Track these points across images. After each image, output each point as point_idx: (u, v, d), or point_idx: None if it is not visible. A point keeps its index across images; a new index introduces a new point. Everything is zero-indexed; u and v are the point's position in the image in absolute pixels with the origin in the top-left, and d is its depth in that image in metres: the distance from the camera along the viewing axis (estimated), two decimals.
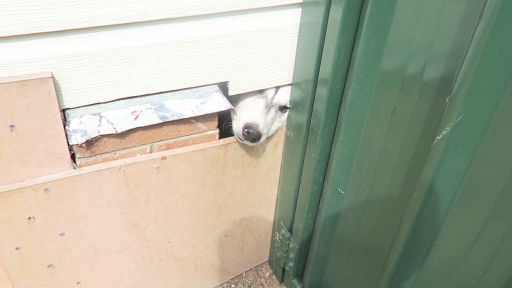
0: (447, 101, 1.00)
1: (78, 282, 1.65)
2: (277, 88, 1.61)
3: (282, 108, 1.64)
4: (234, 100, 1.61)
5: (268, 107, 1.59)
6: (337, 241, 1.69)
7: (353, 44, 1.26)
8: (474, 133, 0.96)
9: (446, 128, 0.99)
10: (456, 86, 0.96)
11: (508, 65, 0.86)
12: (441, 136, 1.01)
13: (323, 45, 1.33)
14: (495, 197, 1.00)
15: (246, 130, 1.52)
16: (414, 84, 1.12)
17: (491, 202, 1.01)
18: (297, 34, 1.47)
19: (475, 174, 1.01)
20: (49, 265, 1.53)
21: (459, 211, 1.08)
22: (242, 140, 1.56)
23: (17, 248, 1.43)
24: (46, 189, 1.36)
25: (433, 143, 1.05)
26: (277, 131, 1.69)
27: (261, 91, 1.60)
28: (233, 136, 1.62)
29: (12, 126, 1.22)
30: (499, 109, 0.91)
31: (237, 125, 1.55)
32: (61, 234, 1.48)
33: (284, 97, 1.61)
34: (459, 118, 0.96)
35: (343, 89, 1.35)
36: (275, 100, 1.60)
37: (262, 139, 1.55)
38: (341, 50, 1.27)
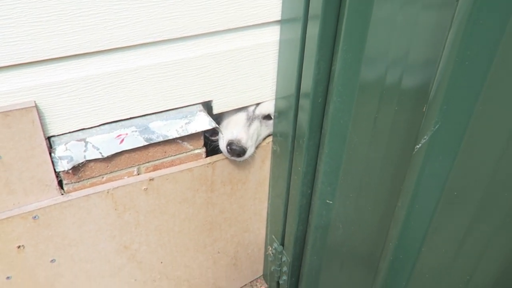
0: (424, 110, 1.03)
1: None
2: None
3: (267, 117, 1.66)
4: (219, 117, 1.63)
5: (250, 119, 1.61)
6: (329, 252, 1.70)
7: (331, 58, 1.29)
8: (452, 141, 0.99)
9: (425, 137, 1.02)
10: (431, 95, 0.99)
11: (479, 73, 0.88)
12: (420, 145, 1.03)
13: (302, 61, 1.35)
14: (477, 202, 1.02)
15: (228, 147, 1.55)
16: (392, 94, 1.15)
17: (473, 208, 1.03)
18: (278, 50, 1.49)
19: (456, 180, 1.03)
20: None
21: (443, 217, 1.10)
22: (230, 156, 1.58)
23: (8, 278, 1.43)
24: (35, 217, 1.36)
25: (414, 152, 1.07)
26: (265, 138, 1.71)
27: None
28: (220, 154, 1.64)
29: None
30: (473, 116, 0.93)
31: (221, 143, 1.59)
32: (52, 261, 1.48)
33: (266, 107, 1.64)
34: (436, 127, 0.98)
35: (325, 103, 1.38)
36: (257, 112, 1.63)
37: (249, 151, 1.58)
38: (320, 65, 1.29)
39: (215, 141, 1.64)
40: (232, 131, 1.57)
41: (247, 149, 1.56)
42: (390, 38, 1.10)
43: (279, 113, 1.59)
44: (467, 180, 1.02)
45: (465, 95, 0.92)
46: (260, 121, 1.64)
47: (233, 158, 1.59)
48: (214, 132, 1.65)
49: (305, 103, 1.40)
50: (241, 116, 1.62)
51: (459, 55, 0.89)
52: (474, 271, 1.09)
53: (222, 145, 1.58)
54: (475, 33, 0.85)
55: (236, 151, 1.54)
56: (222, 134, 1.59)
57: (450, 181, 1.04)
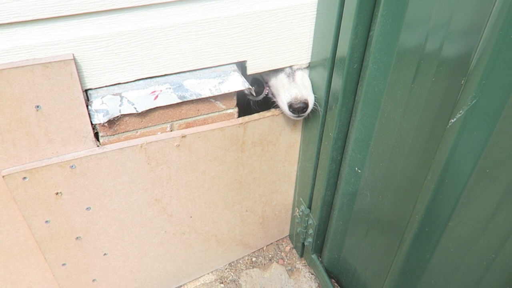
0: (462, 83, 0.99)
1: (104, 254, 1.73)
2: None
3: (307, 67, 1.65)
4: (266, 79, 1.67)
5: (291, 75, 1.60)
6: (355, 219, 1.71)
7: (370, 23, 1.24)
8: (488, 117, 0.95)
9: (460, 112, 0.98)
10: (471, 68, 0.95)
11: None
12: (455, 119, 1.00)
13: (340, 24, 1.31)
14: (509, 180, 0.99)
15: (291, 109, 1.57)
16: (430, 64, 1.11)
17: (504, 185, 1.00)
18: (315, 12, 1.45)
19: (489, 157, 1.00)
20: (77, 238, 1.61)
21: (473, 194, 1.08)
22: (298, 115, 1.60)
23: (46, 221, 1.51)
24: (72, 166, 1.42)
25: (448, 126, 1.04)
26: None
27: None
28: (252, 115, 1.65)
29: (38, 107, 1.27)
30: None
31: (284, 109, 1.61)
32: (87, 208, 1.55)
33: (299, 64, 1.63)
34: (473, 102, 0.95)
35: (360, 69, 1.35)
36: (295, 67, 1.61)
37: (310, 101, 1.58)
38: (358, 29, 1.26)
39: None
40: (285, 94, 1.58)
41: (307, 101, 1.56)
42: (433, 2, 1.05)
43: (313, 77, 1.57)
44: (500, 158, 0.99)
45: (506, 71, 0.87)
46: (303, 70, 1.63)
47: (302, 114, 1.60)
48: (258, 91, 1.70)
49: (340, 68, 1.37)
50: (282, 77, 1.61)
51: (504, 26, 0.84)
52: (499, 250, 1.07)
53: (285, 110, 1.60)
54: None
55: (300, 108, 1.56)
56: (278, 99, 1.62)
57: (483, 157, 1.01)
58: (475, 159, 1.02)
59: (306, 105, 1.56)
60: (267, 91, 1.70)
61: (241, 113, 1.65)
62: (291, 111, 1.57)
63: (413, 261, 1.36)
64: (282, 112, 1.66)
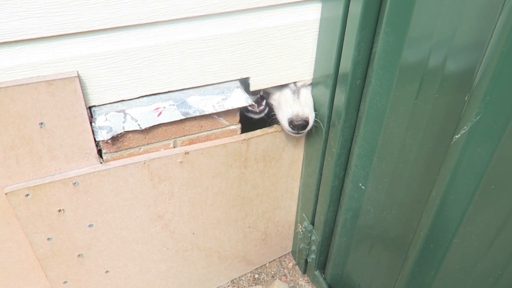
0: (466, 99, 0.99)
1: (106, 271, 1.72)
2: None
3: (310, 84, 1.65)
4: (268, 94, 1.67)
5: (296, 92, 1.60)
6: (358, 235, 1.70)
7: (372, 40, 1.25)
8: (492, 133, 0.95)
9: (465, 128, 0.99)
10: (474, 85, 0.95)
11: None
12: (459, 135, 1.01)
13: (343, 41, 1.32)
14: None
15: (291, 126, 1.57)
16: (434, 80, 1.11)
17: (510, 202, 1.00)
18: (318, 29, 1.47)
19: (493, 173, 1.00)
20: (79, 255, 1.60)
21: (478, 210, 1.07)
22: (297, 132, 1.60)
23: (48, 239, 1.51)
24: (75, 183, 1.42)
25: (452, 142, 1.04)
26: None
27: None
28: (255, 131, 1.65)
29: (42, 124, 1.28)
30: None
31: (284, 124, 1.61)
32: (89, 225, 1.55)
33: (303, 81, 1.63)
34: (477, 118, 0.95)
35: (363, 85, 1.35)
36: (298, 84, 1.62)
37: (311, 119, 1.58)
38: (361, 46, 1.26)
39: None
40: (287, 109, 1.59)
41: (308, 119, 1.56)
42: (436, 19, 1.06)
43: (316, 93, 1.58)
44: (505, 174, 0.99)
45: (510, 87, 0.88)
46: (307, 87, 1.63)
47: (301, 132, 1.60)
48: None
49: (343, 85, 1.38)
50: (287, 92, 1.62)
51: (507, 43, 0.85)
52: (506, 267, 1.06)
53: (285, 126, 1.60)
54: None
55: (300, 125, 1.56)
56: (279, 115, 1.63)
57: (488, 173, 1.01)
58: (480, 175, 1.02)
59: (306, 123, 1.56)
60: None
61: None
62: (290, 127, 1.57)
63: (418, 278, 1.34)
64: None
